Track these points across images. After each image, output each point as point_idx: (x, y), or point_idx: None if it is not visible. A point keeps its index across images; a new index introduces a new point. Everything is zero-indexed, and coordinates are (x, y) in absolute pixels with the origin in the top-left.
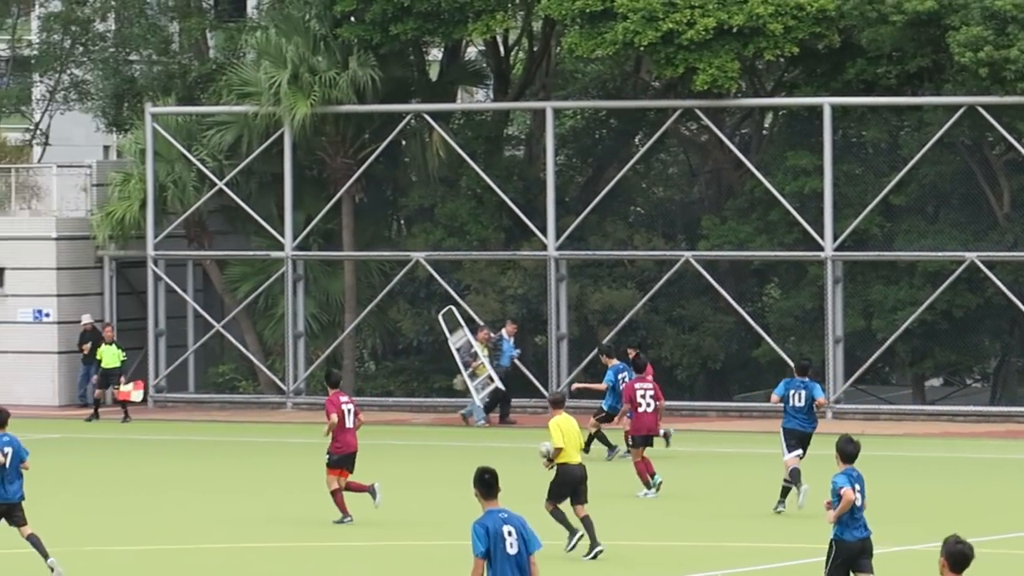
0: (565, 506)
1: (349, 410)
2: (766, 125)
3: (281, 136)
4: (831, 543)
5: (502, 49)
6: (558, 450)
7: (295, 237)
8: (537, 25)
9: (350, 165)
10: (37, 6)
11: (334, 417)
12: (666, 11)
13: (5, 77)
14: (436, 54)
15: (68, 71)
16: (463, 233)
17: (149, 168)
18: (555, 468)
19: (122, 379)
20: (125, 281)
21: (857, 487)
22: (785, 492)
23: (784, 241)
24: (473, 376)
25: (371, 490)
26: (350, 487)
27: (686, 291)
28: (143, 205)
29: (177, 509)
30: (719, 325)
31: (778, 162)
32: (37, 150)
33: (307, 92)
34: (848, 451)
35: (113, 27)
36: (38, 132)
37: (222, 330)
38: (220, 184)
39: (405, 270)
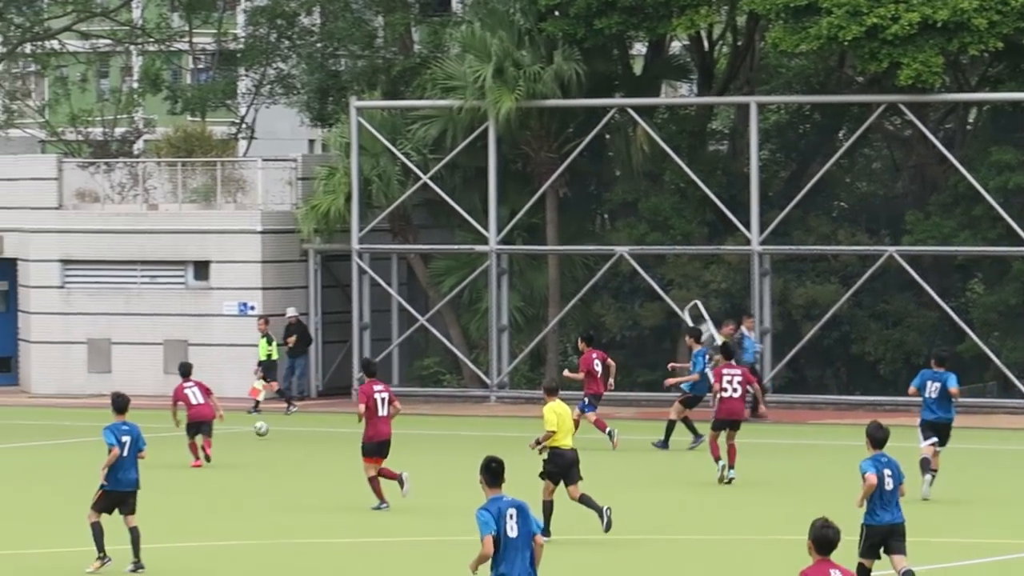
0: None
1: (383, 399)
2: (970, 120)
3: (485, 130)
4: (861, 526)
5: (706, 44)
6: (550, 433)
7: (499, 231)
8: (741, 20)
9: (554, 159)
10: (243, 0)
11: (362, 407)
12: (870, 6)
13: (211, 71)
14: (640, 48)
15: (274, 65)
16: (666, 228)
17: (354, 162)
18: (547, 452)
19: (259, 373)
20: (330, 274)
21: (888, 472)
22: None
23: (988, 236)
24: None
25: (400, 479)
26: (382, 473)
27: (890, 286)
28: (348, 199)
29: (397, 503)
30: (923, 320)
31: (982, 157)
32: (243, 144)
33: (512, 86)
34: (877, 437)
35: (318, 21)
36: (244, 126)
37: (426, 324)
38: (424, 178)
39: (608, 264)
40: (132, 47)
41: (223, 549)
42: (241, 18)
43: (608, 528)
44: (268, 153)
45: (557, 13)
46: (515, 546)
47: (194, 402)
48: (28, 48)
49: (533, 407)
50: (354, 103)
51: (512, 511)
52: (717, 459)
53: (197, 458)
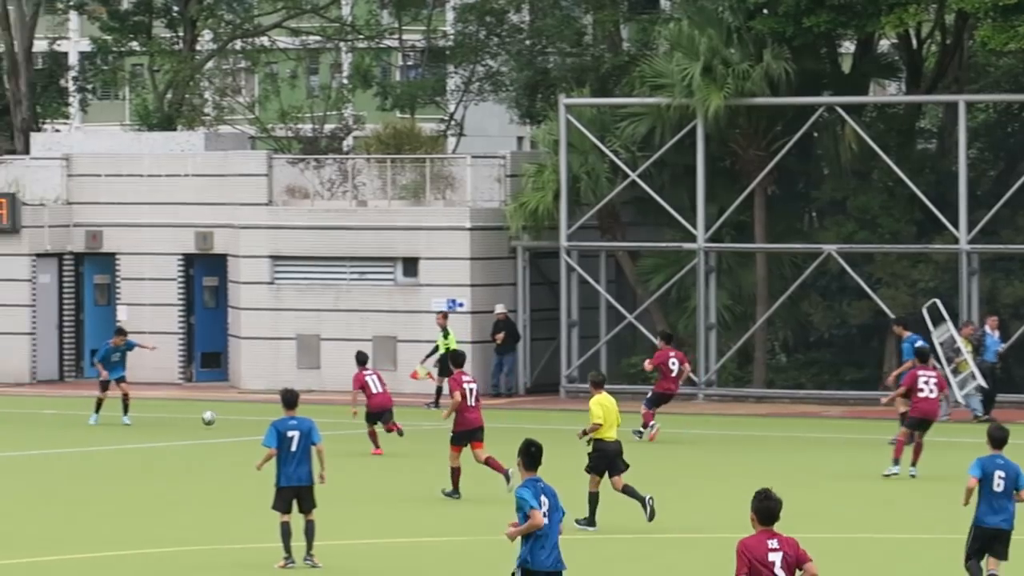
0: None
1: (471, 390)
2: None
3: (694, 128)
4: (969, 526)
5: (914, 42)
6: (596, 426)
7: (707, 229)
8: (949, 18)
9: (762, 157)
10: None
11: (457, 395)
12: None
13: (421, 68)
14: (848, 47)
15: (483, 62)
16: (874, 226)
17: (563, 159)
18: (592, 443)
19: (427, 363)
20: (538, 271)
21: (1000, 474)
22: None
23: None
24: (956, 372)
25: (506, 474)
26: (489, 463)
27: None
28: (556, 196)
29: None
30: None
31: None
32: (451, 141)
33: (720, 84)
34: (996, 437)
35: (527, 19)
36: (453, 123)
37: (634, 321)
38: (633, 176)
39: (816, 263)
40: (342, 44)
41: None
42: (450, 15)
43: (651, 518)
44: (477, 150)
45: (766, 11)
46: (545, 531)
47: (374, 391)
48: (238, 45)
49: (740, 405)
50: (563, 100)
51: (545, 498)
52: (896, 460)
53: (377, 446)
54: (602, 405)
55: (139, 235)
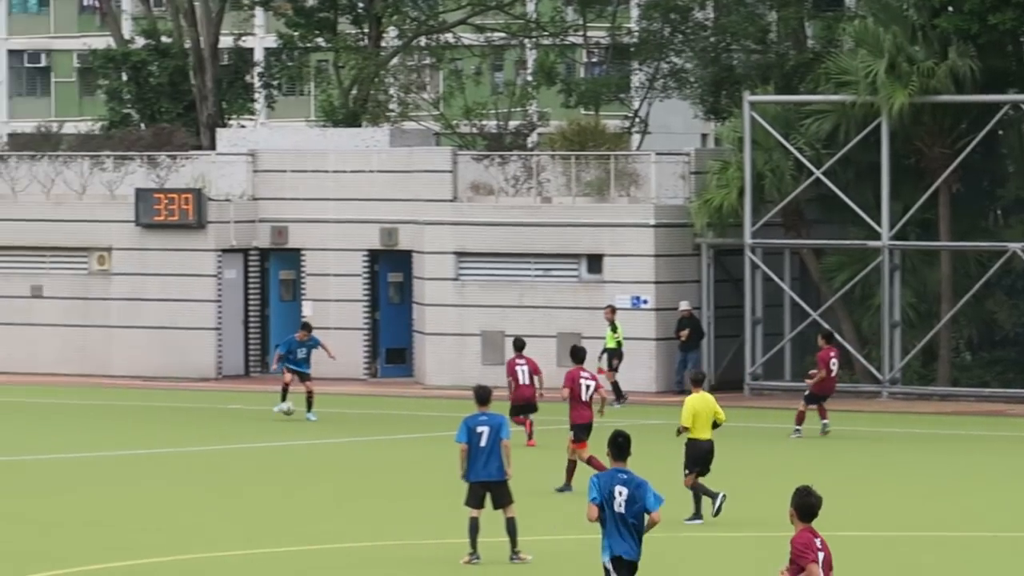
0: None
1: (588, 386)
2: None
3: (878, 126)
4: None
5: None
6: (684, 428)
7: (892, 227)
8: None
9: (947, 155)
10: None
11: (566, 391)
12: None
13: (605, 65)
14: None
15: (667, 59)
16: None
17: (747, 157)
18: (686, 442)
19: (605, 360)
20: (722, 268)
21: None
22: None
23: None
24: None
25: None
26: (591, 462)
27: None
28: (741, 193)
29: (774, 496)
30: None
31: None
32: (635, 137)
33: (905, 82)
34: None
35: (712, 16)
36: (637, 120)
37: (818, 318)
38: (817, 173)
39: (1001, 261)
40: (526, 40)
41: None
42: (635, 12)
43: (717, 513)
44: (661, 147)
45: (951, 8)
46: (621, 521)
47: (521, 381)
48: (423, 41)
49: (925, 403)
50: (747, 97)
51: (623, 489)
52: None
53: (530, 437)
54: (692, 406)
55: (324, 231)
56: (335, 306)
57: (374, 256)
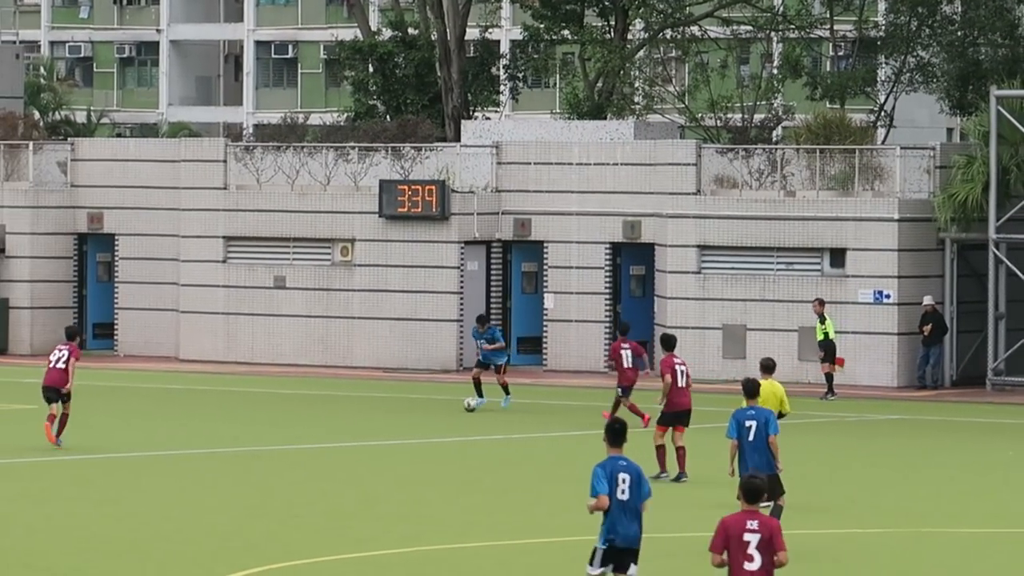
0: None
1: (682, 371)
2: None
3: None
4: None
5: None
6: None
7: None
8: None
9: None
10: None
11: (668, 378)
12: None
13: (851, 58)
14: None
15: (914, 53)
16: None
17: (992, 151)
18: None
19: (824, 354)
20: (966, 263)
21: None
22: None
23: None
24: None
25: (680, 476)
26: (679, 454)
27: None
28: (985, 188)
29: (1013, 492)
30: None
31: None
32: (881, 131)
33: None
34: None
35: (959, 10)
36: (882, 113)
37: None
38: None
39: None
40: (773, 33)
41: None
42: (882, 5)
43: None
44: (906, 141)
45: None
46: (625, 509)
47: (625, 365)
48: (669, 34)
49: None
50: (994, 92)
51: (625, 476)
52: None
53: (643, 415)
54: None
55: (567, 223)
56: (576, 299)
57: (616, 249)
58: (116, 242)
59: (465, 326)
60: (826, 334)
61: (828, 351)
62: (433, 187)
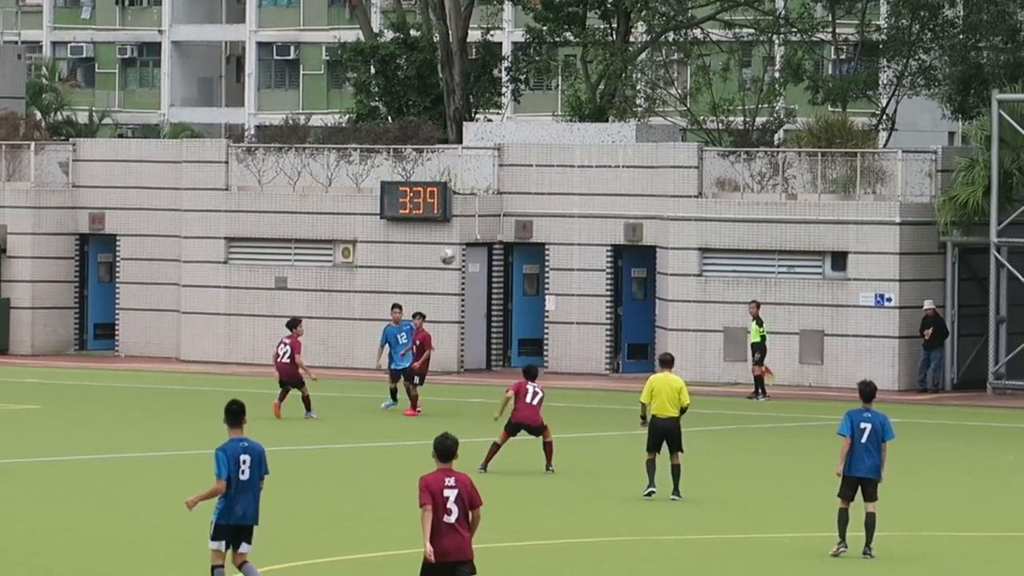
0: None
1: (535, 392)
2: None
3: None
4: None
5: None
6: (642, 405)
7: None
8: None
9: None
10: None
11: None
12: None
13: (853, 62)
14: None
15: (916, 56)
16: None
17: (994, 155)
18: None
19: (756, 356)
20: (967, 267)
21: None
22: None
23: None
24: None
25: None
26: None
27: None
28: (987, 192)
29: (1013, 496)
30: None
31: None
32: (883, 135)
33: None
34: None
35: (961, 13)
36: (884, 117)
37: None
38: None
39: None
40: (775, 37)
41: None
42: (884, 9)
43: (674, 494)
44: (908, 144)
45: None
46: (244, 487)
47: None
48: (671, 37)
49: None
50: (996, 96)
51: (247, 456)
52: None
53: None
54: (651, 384)
55: (569, 225)
56: (578, 301)
57: (618, 251)
58: (117, 242)
59: (467, 328)
60: (763, 336)
61: (762, 353)
62: (435, 189)
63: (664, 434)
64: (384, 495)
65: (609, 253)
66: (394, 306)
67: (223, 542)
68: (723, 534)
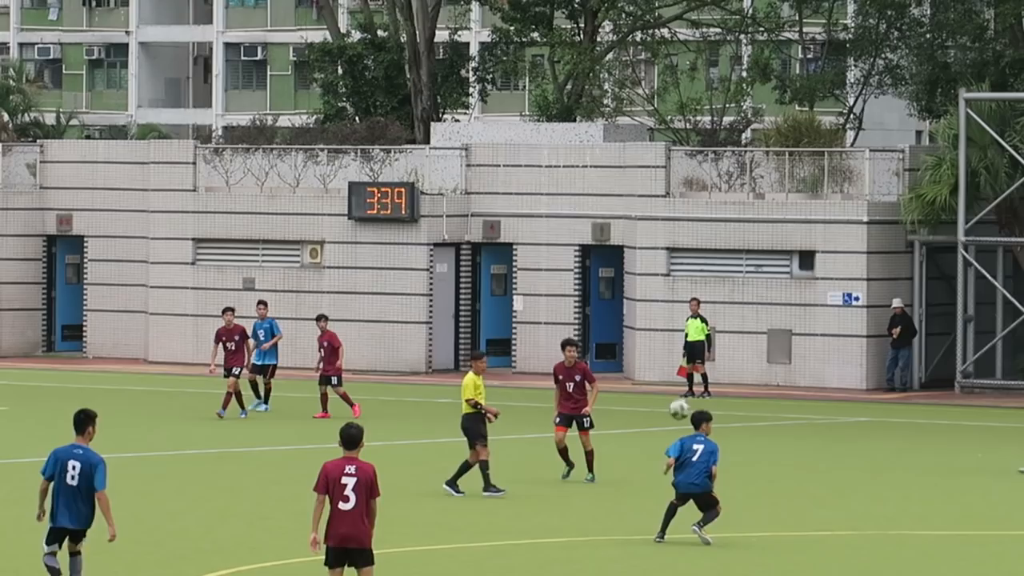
0: None
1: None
2: None
3: None
4: None
5: None
6: (473, 402)
7: None
8: None
9: None
10: None
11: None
12: None
13: (820, 61)
14: None
15: (883, 55)
16: None
17: (961, 154)
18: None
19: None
20: (935, 266)
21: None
22: None
23: None
24: None
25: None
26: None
27: None
28: (954, 190)
29: (983, 496)
30: None
31: None
32: (850, 134)
33: None
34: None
35: (928, 12)
36: (852, 116)
37: None
38: None
39: None
40: (742, 36)
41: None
42: (851, 7)
43: (449, 484)
44: (875, 144)
45: None
46: (71, 494)
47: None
48: (638, 36)
49: None
50: (963, 94)
51: (76, 464)
52: None
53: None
54: (472, 381)
55: (536, 225)
56: (546, 301)
57: (586, 251)
58: (85, 244)
59: (434, 328)
60: (708, 335)
61: (698, 351)
62: (402, 189)
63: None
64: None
65: (577, 253)
66: (260, 303)
67: (55, 545)
68: (690, 533)
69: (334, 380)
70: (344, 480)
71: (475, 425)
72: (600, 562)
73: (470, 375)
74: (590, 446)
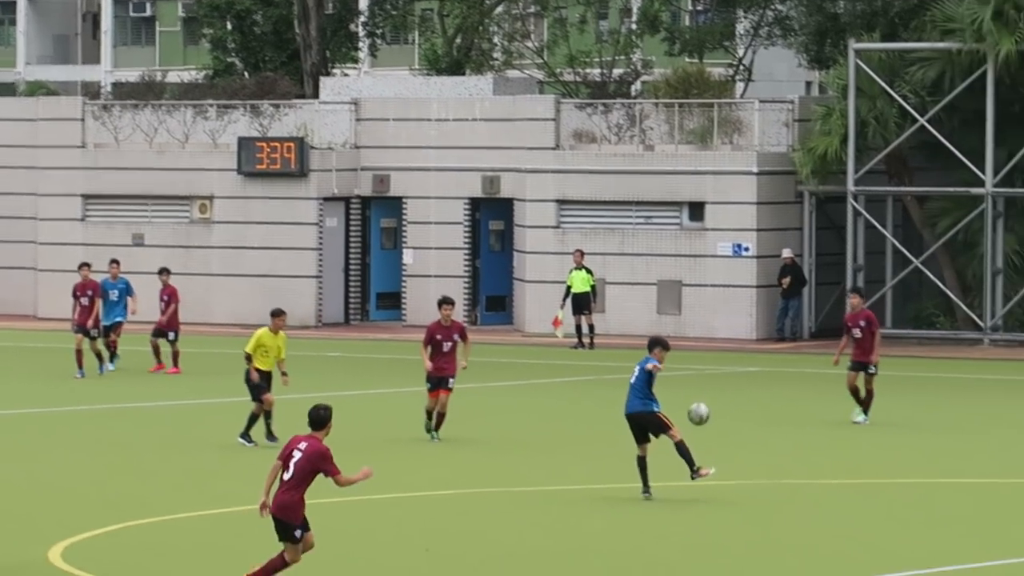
0: None
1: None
2: None
3: (984, 73)
4: None
5: None
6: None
7: (996, 174)
8: None
9: None
10: None
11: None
12: None
13: (710, 12)
14: None
15: (772, 7)
16: None
17: (851, 104)
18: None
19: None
20: (824, 216)
21: None
22: None
23: None
24: None
25: None
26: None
27: None
28: (844, 141)
29: (871, 445)
30: None
31: None
32: (740, 85)
33: (1012, 28)
34: None
35: None
36: (741, 67)
37: (920, 266)
38: (922, 120)
39: None
40: None
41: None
42: None
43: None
44: (765, 94)
45: None
46: None
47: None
48: None
49: None
50: (852, 45)
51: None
52: None
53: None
54: (257, 337)
55: (426, 179)
56: (436, 254)
57: (475, 204)
58: None
59: (324, 282)
60: (592, 286)
61: (584, 302)
62: (292, 144)
63: (257, 386)
64: (243, 451)
65: (467, 206)
66: (112, 261)
67: None
68: (584, 484)
69: (171, 335)
70: (294, 454)
71: (256, 382)
72: (488, 513)
73: (263, 330)
74: (447, 408)
